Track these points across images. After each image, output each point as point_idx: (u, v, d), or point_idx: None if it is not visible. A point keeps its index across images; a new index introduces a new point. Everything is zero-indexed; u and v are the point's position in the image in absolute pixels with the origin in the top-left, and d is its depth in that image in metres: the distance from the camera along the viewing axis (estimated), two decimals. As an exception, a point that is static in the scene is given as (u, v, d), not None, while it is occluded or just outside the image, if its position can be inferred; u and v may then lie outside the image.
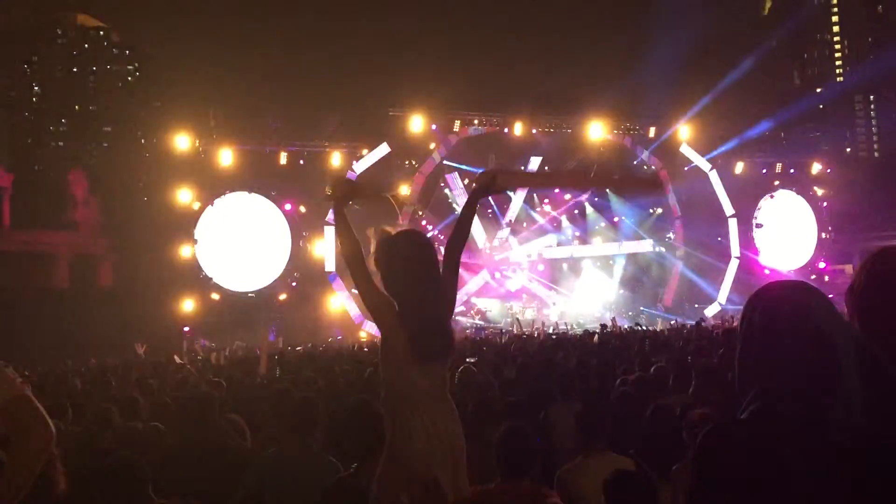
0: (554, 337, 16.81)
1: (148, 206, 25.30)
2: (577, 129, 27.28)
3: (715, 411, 3.98)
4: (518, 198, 29.25)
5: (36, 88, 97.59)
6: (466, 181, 27.89)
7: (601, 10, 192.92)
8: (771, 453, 1.67)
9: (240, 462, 3.94)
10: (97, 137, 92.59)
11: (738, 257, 28.37)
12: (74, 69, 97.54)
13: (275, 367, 10.65)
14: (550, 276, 30.81)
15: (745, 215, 29.02)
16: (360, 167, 24.70)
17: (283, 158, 24.70)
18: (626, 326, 21.31)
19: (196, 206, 23.81)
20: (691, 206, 28.48)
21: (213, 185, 23.84)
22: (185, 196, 23.75)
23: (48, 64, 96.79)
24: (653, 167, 28.51)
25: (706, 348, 8.85)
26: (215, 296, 23.99)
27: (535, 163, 28.07)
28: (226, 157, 23.86)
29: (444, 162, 26.61)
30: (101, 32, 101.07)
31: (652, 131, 27.69)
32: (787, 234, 29.58)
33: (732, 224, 28.48)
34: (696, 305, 28.26)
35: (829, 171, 32.30)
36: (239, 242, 23.86)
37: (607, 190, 29.72)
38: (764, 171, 30.61)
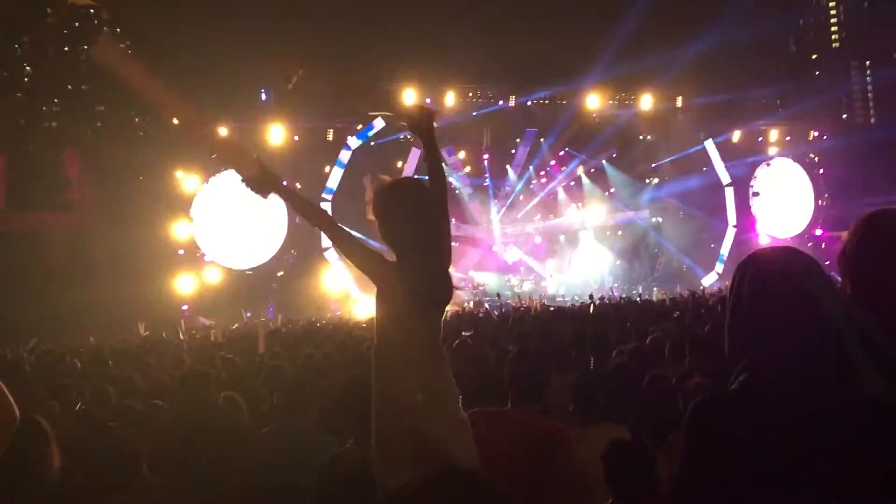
0: (551, 309, 16.81)
1: (143, 185, 25.10)
2: (573, 100, 27.13)
3: (711, 380, 3.99)
4: (513, 173, 29.30)
5: (27, 68, 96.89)
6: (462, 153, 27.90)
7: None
8: (762, 421, 1.66)
9: (236, 440, 3.95)
10: (90, 117, 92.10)
11: (735, 226, 28.33)
12: (66, 48, 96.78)
13: (273, 345, 10.64)
14: (548, 248, 30.83)
15: (742, 183, 28.94)
16: (354, 143, 24.66)
17: (277, 134, 24.61)
18: (622, 297, 21.36)
19: (192, 184, 23.71)
20: (687, 175, 28.46)
21: (208, 163, 23.72)
22: (180, 174, 23.62)
23: (39, 44, 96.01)
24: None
25: (703, 317, 8.87)
26: (213, 274, 23.98)
27: (529, 136, 28.02)
28: (221, 134, 23.66)
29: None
30: (92, 11, 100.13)
31: (647, 101, 27.32)
32: (785, 202, 29.49)
33: (729, 192, 28.39)
34: (694, 274, 28.31)
35: (825, 137, 32.16)
36: (235, 220, 23.75)
37: (603, 161, 29.65)
38: (760, 138, 30.48)
